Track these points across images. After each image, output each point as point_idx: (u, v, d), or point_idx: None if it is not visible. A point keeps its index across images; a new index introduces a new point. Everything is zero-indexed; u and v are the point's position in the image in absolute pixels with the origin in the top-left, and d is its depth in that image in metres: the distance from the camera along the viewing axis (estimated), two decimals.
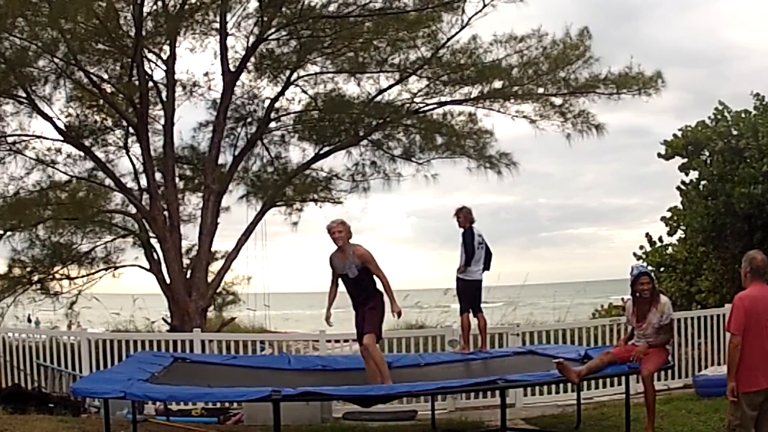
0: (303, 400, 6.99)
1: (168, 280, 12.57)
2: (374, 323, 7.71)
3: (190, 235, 13.45)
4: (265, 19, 12.54)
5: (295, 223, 14.45)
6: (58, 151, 13.20)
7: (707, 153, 13.36)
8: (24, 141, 12.95)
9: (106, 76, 12.68)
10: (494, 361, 8.94)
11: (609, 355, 7.38)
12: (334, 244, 7.82)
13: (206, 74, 13.75)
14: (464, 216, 9.27)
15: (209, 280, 12.95)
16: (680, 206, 14.52)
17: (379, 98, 13.36)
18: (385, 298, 7.76)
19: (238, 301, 15.03)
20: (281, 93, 13.57)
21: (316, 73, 13.62)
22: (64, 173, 13.29)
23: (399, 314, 7.88)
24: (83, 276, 13.46)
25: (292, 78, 13.38)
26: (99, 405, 9.19)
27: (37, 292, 13.13)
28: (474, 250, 9.15)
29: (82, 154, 13.08)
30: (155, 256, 12.78)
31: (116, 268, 13.60)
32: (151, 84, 12.93)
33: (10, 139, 12.79)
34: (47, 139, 13.03)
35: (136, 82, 12.30)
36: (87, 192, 13.36)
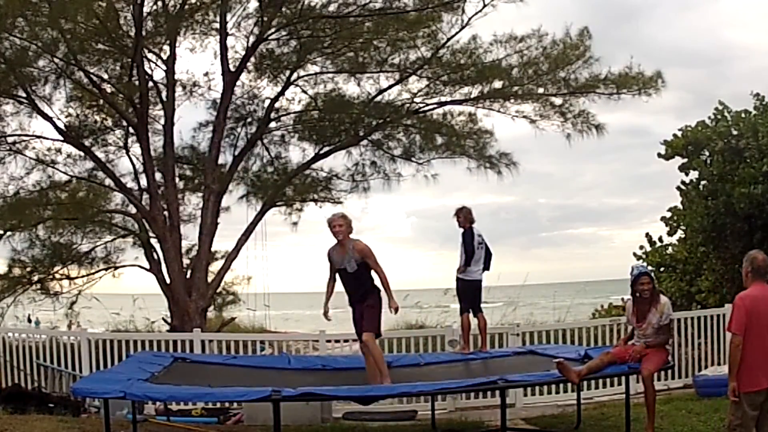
0: (303, 400, 6.97)
1: (168, 280, 12.57)
2: (373, 321, 7.71)
3: (190, 235, 13.48)
4: (265, 19, 12.54)
5: (295, 223, 14.48)
6: (58, 151, 13.22)
7: (707, 153, 13.35)
8: (24, 141, 12.95)
9: (106, 76, 12.68)
10: (494, 361, 8.94)
11: (609, 355, 7.38)
12: (334, 238, 7.77)
13: (206, 74, 13.78)
14: (464, 216, 9.27)
15: (209, 280, 12.95)
16: (680, 206, 14.52)
17: (379, 98, 13.36)
18: (383, 295, 7.74)
19: (238, 301, 15.02)
20: (281, 93, 13.57)
21: (316, 73, 13.63)
22: (64, 173, 13.31)
23: (396, 310, 7.84)
24: (83, 276, 13.46)
25: (292, 78, 13.38)
26: (99, 405, 9.19)
27: (37, 292, 13.13)
28: (474, 250, 9.15)
29: (82, 154, 13.08)
30: (155, 256, 12.78)
31: (116, 268, 13.60)
32: (151, 84, 12.93)
33: (10, 139, 12.79)
34: (47, 139, 13.07)
35: (136, 82, 12.30)
36: (87, 192, 13.37)
